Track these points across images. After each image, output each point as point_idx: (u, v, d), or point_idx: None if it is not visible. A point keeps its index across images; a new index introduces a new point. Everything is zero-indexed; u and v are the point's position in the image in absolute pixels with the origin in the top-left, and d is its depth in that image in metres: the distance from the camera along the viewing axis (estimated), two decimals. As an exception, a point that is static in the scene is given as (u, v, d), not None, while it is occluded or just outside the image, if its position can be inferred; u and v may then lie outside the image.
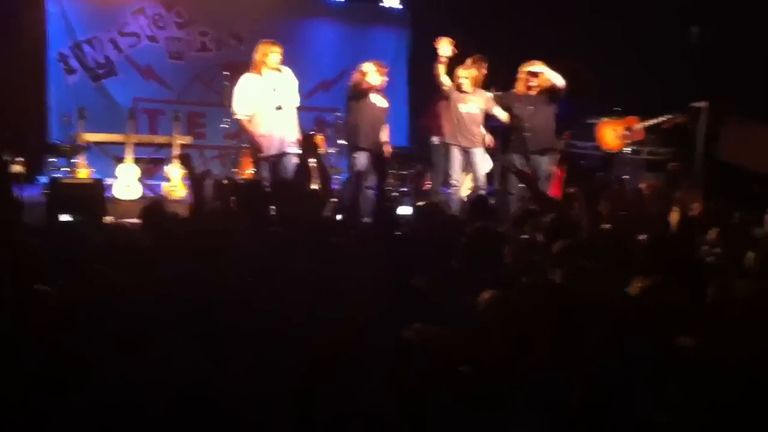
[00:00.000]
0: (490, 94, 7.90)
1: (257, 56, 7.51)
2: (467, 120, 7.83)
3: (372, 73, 7.75)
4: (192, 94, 10.98)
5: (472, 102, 7.86)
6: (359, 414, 2.43)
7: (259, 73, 7.50)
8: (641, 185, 5.06)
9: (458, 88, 7.82)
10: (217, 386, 2.43)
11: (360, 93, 7.75)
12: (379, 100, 7.90)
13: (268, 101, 7.50)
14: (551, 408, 2.54)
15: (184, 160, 4.98)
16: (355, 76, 7.83)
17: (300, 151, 7.72)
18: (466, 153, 7.88)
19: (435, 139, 8.87)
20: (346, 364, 2.62)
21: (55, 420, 2.38)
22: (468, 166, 7.96)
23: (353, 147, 7.79)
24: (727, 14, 8.53)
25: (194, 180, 4.95)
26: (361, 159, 7.69)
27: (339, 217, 5.87)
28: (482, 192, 7.75)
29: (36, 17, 9.96)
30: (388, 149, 8.08)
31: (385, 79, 7.89)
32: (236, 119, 7.70)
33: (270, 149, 7.48)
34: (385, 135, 8.08)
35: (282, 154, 7.53)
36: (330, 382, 2.55)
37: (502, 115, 7.74)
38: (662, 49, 8.78)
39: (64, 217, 5.05)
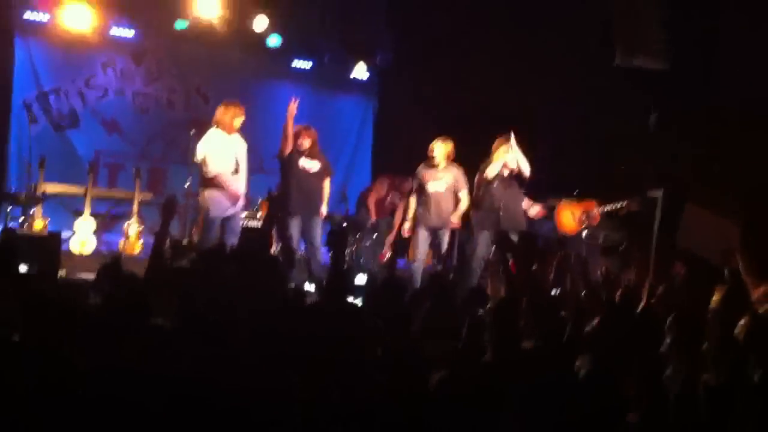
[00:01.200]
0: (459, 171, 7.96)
1: (226, 118, 7.52)
2: (435, 199, 7.89)
3: (300, 137, 7.78)
4: (155, 150, 10.98)
5: (441, 180, 7.93)
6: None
7: (227, 133, 7.53)
8: (598, 270, 5.13)
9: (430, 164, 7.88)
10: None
11: (287, 158, 7.78)
12: (309, 164, 7.91)
13: (228, 162, 7.52)
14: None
15: (168, 205, 4.86)
16: (281, 142, 7.78)
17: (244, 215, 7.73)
18: (434, 233, 7.92)
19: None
20: None
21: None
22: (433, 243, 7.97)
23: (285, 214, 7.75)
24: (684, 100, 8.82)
25: (161, 232, 4.86)
26: (293, 226, 7.67)
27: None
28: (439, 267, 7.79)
29: (4, 63, 9.92)
30: (320, 212, 8.03)
31: (309, 141, 7.82)
32: (203, 173, 7.54)
33: (225, 210, 7.47)
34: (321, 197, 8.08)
35: (231, 216, 7.53)
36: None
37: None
38: (622, 134, 9.01)
39: (22, 268, 4.95)
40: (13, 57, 10.06)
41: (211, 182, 7.43)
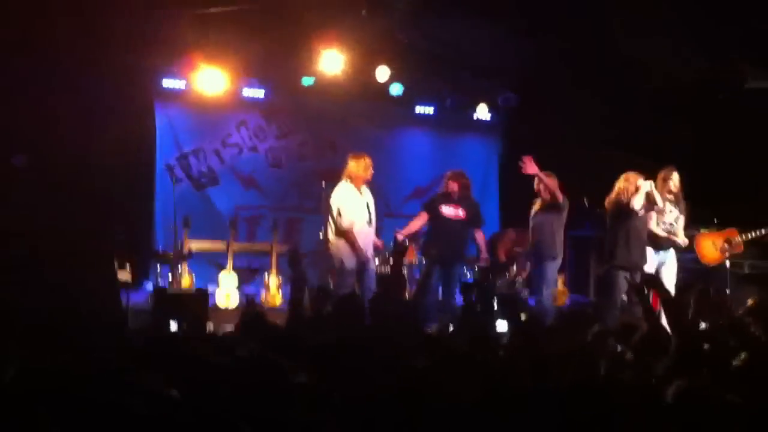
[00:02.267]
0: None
1: (359, 170, 7.72)
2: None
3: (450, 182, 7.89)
4: (290, 202, 11.38)
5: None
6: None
7: (357, 186, 7.71)
8: (749, 302, 4.91)
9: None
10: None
11: (430, 202, 7.93)
12: (449, 211, 7.94)
13: (362, 214, 7.71)
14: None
15: (293, 258, 5.09)
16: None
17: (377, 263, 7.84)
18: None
19: None
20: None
21: None
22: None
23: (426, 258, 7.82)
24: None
25: (295, 283, 5.05)
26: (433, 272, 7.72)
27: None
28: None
29: (148, 128, 10.58)
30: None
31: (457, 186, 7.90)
32: (337, 225, 7.74)
33: (358, 259, 7.63)
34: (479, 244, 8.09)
35: (365, 264, 7.69)
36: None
37: None
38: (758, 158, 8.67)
39: (173, 326, 5.24)
40: (154, 123, 10.71)
41: (345, 234, 7.62)
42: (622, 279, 7.02)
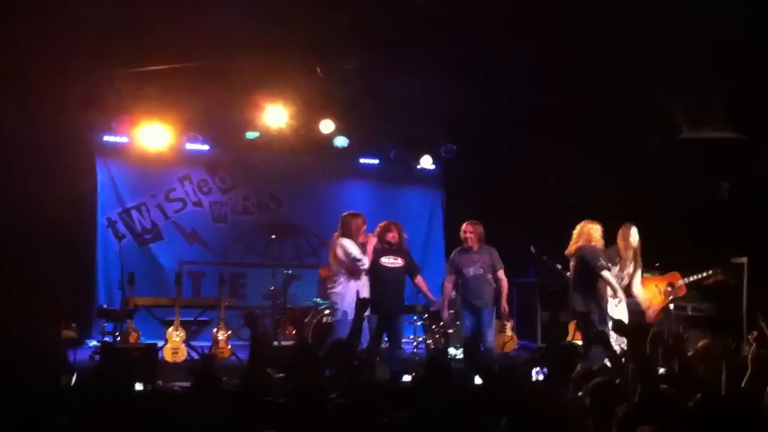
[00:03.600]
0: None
1: (355, 227, 7.65)
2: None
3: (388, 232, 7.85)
4: (233, 256, 11.30)
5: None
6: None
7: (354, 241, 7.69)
8: (700, 344, 5.04)
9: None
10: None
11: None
12: (389, 260, 7.85)
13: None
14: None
15: (250, 320, 5.07)
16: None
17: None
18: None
19: None
20: None
21: None
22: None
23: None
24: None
25: (255, 341, 5.02)
26: (372, 321, 7.71)
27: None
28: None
29: (88, 184, 10.45)
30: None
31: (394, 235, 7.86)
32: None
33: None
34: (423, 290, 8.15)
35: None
36: None
37: None
38: (695, 205, 8.98)
39: (138, 386, 5.12)
40: (95, 178, 10.57)
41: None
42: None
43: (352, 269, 7.54)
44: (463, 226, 8.09)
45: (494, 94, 9.26)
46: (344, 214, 7.87)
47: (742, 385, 4.40)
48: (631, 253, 7.63)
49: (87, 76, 8.94)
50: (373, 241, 7.72)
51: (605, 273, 7.29)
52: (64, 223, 9.47)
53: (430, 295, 8.13)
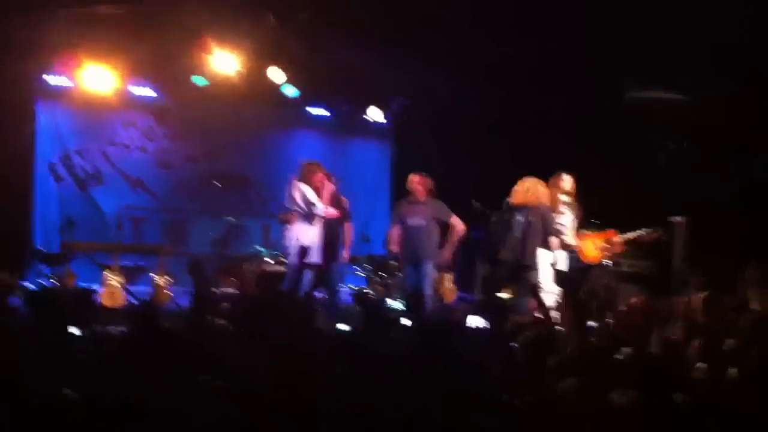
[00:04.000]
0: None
1: (312, 175, 7.83)
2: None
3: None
4: (177, 203, 11.18)
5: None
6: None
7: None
8: (632, 300, 5.18)
9: None
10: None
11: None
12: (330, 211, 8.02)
13: None
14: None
15: (194, 267, 5.07)
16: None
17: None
18: None
19: None
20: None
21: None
22: None
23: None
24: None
25: (199, 289, 5.03)
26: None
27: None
28: None
29: (27, 126, 10.17)
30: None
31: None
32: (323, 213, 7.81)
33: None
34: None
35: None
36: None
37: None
38: (639, 164, 9.15)
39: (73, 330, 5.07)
40: (34, 120, 10.29)
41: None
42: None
43: (305, 214, 7.64)
44: (411, 176, 8.15)
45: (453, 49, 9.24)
46: (304, 161, 7.93)
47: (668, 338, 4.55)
48: (564, 200, 7.84)
49: (30, 16, 8.71)
50: (329, 188, 7.82)
51: (555, 240, 7.56)
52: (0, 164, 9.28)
53: (347, 248, 8.24)
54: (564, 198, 7.95)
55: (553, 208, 7.82)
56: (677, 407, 3.49)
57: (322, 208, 7.73)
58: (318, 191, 7.80)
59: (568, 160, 8.72)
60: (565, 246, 7.83)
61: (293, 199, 7.76)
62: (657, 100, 8.79)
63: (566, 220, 7.98)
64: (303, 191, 7.71)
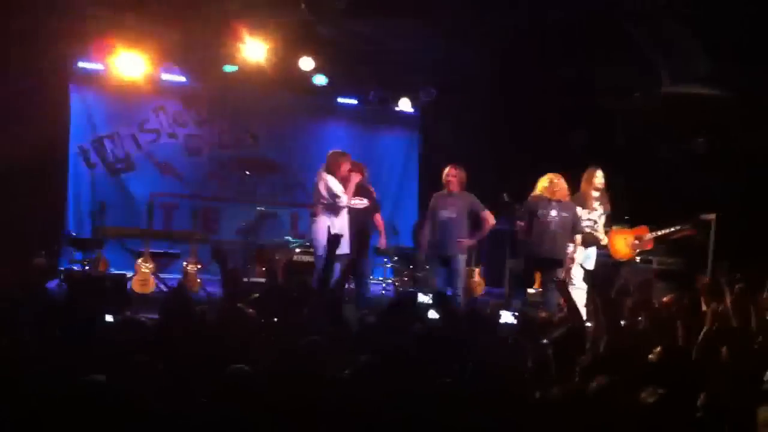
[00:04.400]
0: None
1: (342, 170, 7.78)
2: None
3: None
4: (207, 190, 11.24)
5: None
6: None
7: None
8: (664, 299, 5.13)
9: None
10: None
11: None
12: (356, 201, 8.02)
13: None
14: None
15: (218, 255, 5.07)
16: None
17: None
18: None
19: None
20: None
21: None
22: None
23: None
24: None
25: (226, 277, 5.03)
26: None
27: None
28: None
29: (61, 112, 10.26)
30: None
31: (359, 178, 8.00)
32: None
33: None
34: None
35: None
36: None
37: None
38: (670, 160, 9.05)
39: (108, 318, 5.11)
40: (68, 105, 10.40)
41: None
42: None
43: (331, 206, 7.64)
44: (447, 169, 8.07)
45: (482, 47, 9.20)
46: (330, 151, 7.91)
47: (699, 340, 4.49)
48: (596, 196, 7.80)
49: (65, 3, 8.78)
50: (355, 179, 7.81)
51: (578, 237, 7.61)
52: (36, 150, 9.34)
53: (383, 236, 8.27)
54: (596, 194, 7.89)
55: (586, 203, 7.77)
56: (705, 407, 3.47)
57: (346, 200, 7.70)
58: (344, 182, 7.78)
59: (595, 155, 8.69)
60: (597, 242, 7.80)
61: (318, 191, 7.74)
62: (693, 95, 8.67)
63: (597, 215, 7.93)
64: (328, 182, 7.69)
